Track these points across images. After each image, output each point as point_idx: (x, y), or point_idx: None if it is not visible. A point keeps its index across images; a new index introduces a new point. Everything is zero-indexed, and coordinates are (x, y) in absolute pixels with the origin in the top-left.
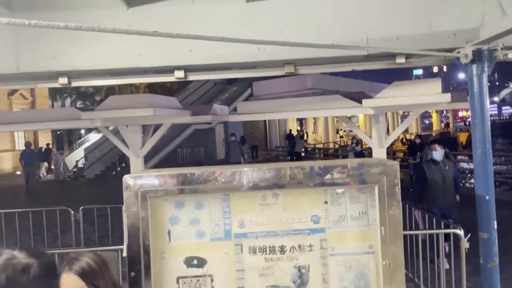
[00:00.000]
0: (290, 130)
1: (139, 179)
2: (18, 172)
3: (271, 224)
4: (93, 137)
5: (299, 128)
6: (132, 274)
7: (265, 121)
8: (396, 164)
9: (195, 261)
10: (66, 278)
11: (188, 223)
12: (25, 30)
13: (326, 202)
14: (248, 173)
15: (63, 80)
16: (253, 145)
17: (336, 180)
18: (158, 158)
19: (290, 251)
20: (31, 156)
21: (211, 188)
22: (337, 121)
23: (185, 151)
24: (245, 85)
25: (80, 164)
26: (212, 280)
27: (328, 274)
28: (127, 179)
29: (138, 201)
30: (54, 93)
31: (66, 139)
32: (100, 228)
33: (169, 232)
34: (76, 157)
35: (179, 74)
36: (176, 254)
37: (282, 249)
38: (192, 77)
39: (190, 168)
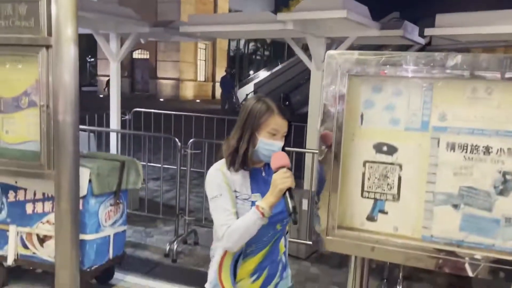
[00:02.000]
0: None
1: (342, 55)
2: (198, 100)
3: (479, 121)
4: (263, 74)
5: None
6: (323, 147)
7: None
8: None
9: (385, 148)
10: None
11: (383, 108)
12: None
13: None
14: (459, 58)
15: None
16: None
17: None
18: None
19: (496, 153)
20: (229, 83)
21: (413, 73)
22: None
23: None
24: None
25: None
26: (400, 170)
27: None
28: (330, 55)
29: (338, 78)
30: None
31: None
32: None
33: (362, 116)
34: (246, 91)
35: None
36: (366, 138)
37: (487, 150)
38: None
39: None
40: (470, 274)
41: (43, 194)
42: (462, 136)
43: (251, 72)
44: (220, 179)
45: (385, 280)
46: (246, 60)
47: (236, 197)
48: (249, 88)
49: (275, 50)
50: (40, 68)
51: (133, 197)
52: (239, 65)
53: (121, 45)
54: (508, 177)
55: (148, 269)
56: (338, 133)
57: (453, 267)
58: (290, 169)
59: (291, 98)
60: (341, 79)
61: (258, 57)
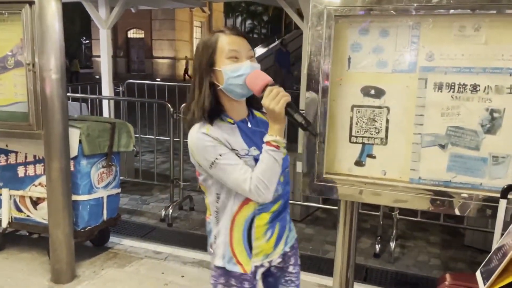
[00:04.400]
0: None
1: None
2: None
3: (466, 59)
4: (260, 51)
5: None
6: (310, 93)
7: None
8: None
9: (372, 91)
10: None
11: (370, 51)
12: None
13: None
14: None
15: None
16: None
17: None
18: None
19: (484, 91)
20: (287, 58)
21: (401, 11)
22: None
23: None
24: None
25: None
26: (388, 113)
27: None
28: None
29: (324, 20)
30: (228, 11)
31: None
32: None
33: (349, 59)
34: None
35: None
36: (353, 82)
37: (475, 88)
38: None
39: None
40: (458, 213)
41: (34, 156)
42: (450, 75)
43: None
44: (209, 141)
45: (379, 238)
46: None
47: (236, 155)
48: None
49: (273, 28)
50: (24, 26)
51: (128, 167)
52: None
53: (110, 12)
54: (495, 114)
55: (144, 232)
56: (325, 77)
57: (441, 207)
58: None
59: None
60: (327, 21)
61: (255, 36)
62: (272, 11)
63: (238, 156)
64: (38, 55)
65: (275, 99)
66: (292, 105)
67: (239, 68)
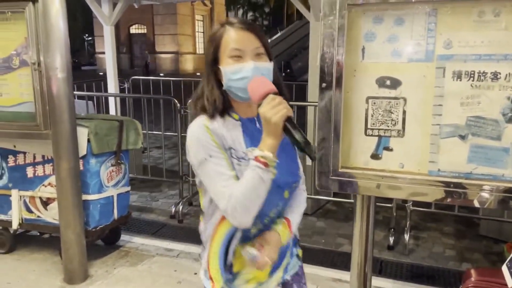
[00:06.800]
0: None
1: None
2: (198, 73)
3: (486, 46)
4: None
5: None
6: (323, 85)
7: None
8: None
9: (388, 82)
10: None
11: (385, 40)
12: None
13: None
14: None
15: None
16: None
17: None
18: None
19: (505, 79)
20: None
21: None
22: None
23: None
24: None
25: None
26: (405, 104)
27: None
28: None
29: (336, 10)
30: (229, 3)
31: None
32: None
33: (363, 49)
34: None
35: None
36: (368, 73)
37: (496, 76)
38: None
39: None
40: (479, 205)
41: (43, 157)
42: (469, 63)
43: None
44: (205, 137)
45: (392, 230)
46: None
47: (231, 156)
48: None
49: (274, 20)
50: (28, 24)
51: (136, 163)
52: None
53: (114, 8)
54: None
55: (155, 230)
56: (338, 68)
57: (463, 200)
58: (279, 95)
59: (292, 65)
60: (340, 10)
61: None
62: (274, 2)
63: (234, 157)
64: (43, 54)
65: (274, 108)
66: (292, 121)
67: (240, 69)
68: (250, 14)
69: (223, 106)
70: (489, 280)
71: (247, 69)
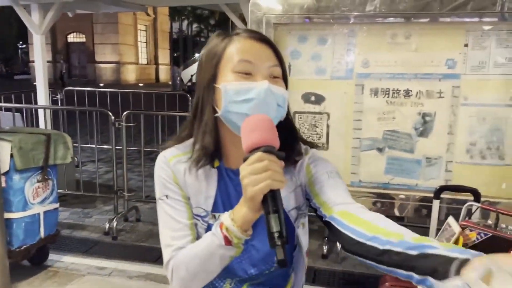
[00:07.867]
0: None
1: (266, 2)
2: (141, 84)
3: (399, 65)
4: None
5: None
6: None
7: None
8: None
9: (313, 97)
10: None
11: (309, 58)
12: None
13: (466, 45)
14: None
15: None
16: None
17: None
18: None
19: (416, 96)
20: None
21: (338, 19)
22: None
23: None
24: None
25: (194, 79)
26: (328, 118)
27: (456, 125)
28: (254, 2)
29: (263, 28)
30: (173, 14)
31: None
32: None
33: (289, 66)
34: (191, 72)
35: None
36: (294, 89)
37: (407, 93)
38: None
39: None
40: (397, 214)
41: None
42: (384, 81)
43: (196, 54)
44: (165, 174)
45: (326, 239)
46: (190, 42)
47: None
48: (193, 69)
49: None
50: None
51: (68, 179)
52: (183, 47)
53: (45, 17)
54: (427, 118)
55: (87, 248)
56: None
57: (383, 208)
58: (278, 156)
59: None
60: (267, 28)
61: (202, 39)
62: (219, 15)
63: (194, 214)
64: None
65: (256, 175)
66: (277, 199)
67: (248, 88)
68: (195, 25)
69: (212, 153)
70: (403, 285)
71: (258, 90)
